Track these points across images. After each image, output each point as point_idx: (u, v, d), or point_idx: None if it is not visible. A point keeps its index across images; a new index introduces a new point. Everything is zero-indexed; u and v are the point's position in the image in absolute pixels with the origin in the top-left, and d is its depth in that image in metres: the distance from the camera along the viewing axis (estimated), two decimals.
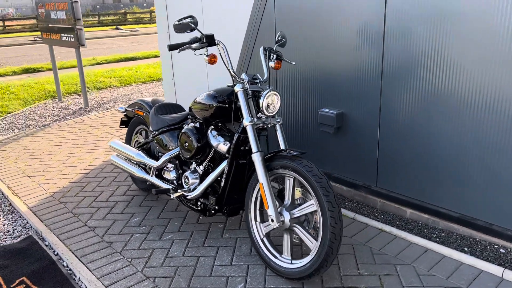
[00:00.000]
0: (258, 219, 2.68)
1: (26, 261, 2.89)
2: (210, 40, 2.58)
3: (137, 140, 3.76)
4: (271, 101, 2.56)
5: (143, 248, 2.93)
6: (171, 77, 5.17)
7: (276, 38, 2.94)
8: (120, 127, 3.92)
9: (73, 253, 2.92)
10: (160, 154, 3.30)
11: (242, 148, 2.71)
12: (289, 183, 2.51)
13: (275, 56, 2.88)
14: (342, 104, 3.41)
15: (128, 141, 3.88)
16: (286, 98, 3.87)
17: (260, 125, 2.61)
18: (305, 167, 2.35)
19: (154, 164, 3.22)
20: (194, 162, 2.99)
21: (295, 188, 2.52)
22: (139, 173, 3.38)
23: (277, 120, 2.66)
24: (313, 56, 3.53)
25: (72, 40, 6.66)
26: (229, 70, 2.62)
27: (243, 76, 2.65)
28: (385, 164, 3.24)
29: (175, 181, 3.14)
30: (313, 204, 2.39)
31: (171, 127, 3.20)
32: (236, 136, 2.65)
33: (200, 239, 3.01)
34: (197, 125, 2.96)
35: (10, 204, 3.79)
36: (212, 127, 2.87)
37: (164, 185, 3.13)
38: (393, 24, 2.97)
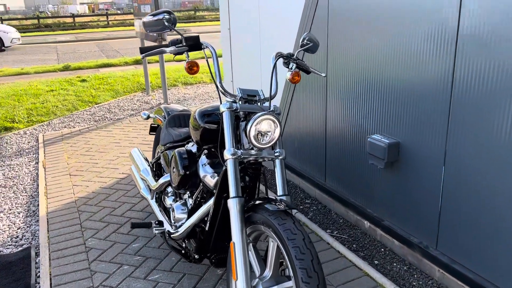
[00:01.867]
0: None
1: (6, 279, 2.63)
2: (192, 43, 1.97)
3: (159, 151, 3.32)
4: (266, 128, 1.87)
5: None
6: (229, 78, 4.65)
7: (301, 41, 2.21)
8: (150, 133, 3.53)
9: (50, 279, 2.58)
10: (165, 174, 2.81)
11: None
12: (272, 246, 1.80)
13: (294, 65, 2.16)
14: (398, 132, 2.53)
15: (154, 151, 3.47)
16: (332, 117, 3.07)
17: (250, 159, 1.94)
18: (286, 231, 1.63)
19: (152, 185, 2.74)
20: (188, 191, 2.43)
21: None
22: (143, 191, 2.93)
23: (275, 154, 1.96)
24: (366, 67, 2.69)
25: (154, 34, 6.54)
26: (216, 83, 1.98)
27: (237, 91, 1.99)
28: (449, 221, 2.30)
29: (170, 210, 2.61)
30: (292, 287, 1.66)
31: (176, 144, 2.68)
32: (223, 169, 2.01)
33: (188, 287, 2.45)
34: (193, 147, 2.40)
35: (38, 205, 3.65)
36: (206, 152, 2.27)
37: (158, 213, 2.63)
38: (472, 24, 2.02)
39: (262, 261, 1.89)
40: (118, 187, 3.83)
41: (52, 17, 30.69)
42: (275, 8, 3.57)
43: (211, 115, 2.14)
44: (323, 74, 2.23)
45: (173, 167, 2.34)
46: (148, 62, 10.00)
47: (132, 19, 31.24)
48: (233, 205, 1.81)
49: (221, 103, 1.97)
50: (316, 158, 3.37)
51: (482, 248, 2.14)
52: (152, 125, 3.48)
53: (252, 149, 1.92)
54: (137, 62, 11.94)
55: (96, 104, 7.19)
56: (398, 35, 2.43)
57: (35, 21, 27.26)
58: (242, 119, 1.95)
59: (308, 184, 3.52)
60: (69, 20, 28.33)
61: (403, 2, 2.36)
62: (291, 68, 2.17)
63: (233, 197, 1.82)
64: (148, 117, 3.30)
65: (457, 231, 2.27)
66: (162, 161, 2.84)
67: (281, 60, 2.12)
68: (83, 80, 8.78)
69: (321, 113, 3.20)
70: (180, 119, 2.89)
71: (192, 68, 1.97)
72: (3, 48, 16.21)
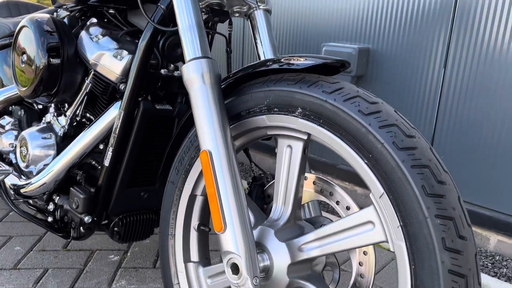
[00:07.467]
0: (195, 257, 0.99)
1: None
2: None
3: None
4: None
5: None
6: None
7: None
8: None
9: None
10: None
11: (163, 72, 1.10)
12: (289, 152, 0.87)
13: None
14: (363, 37, 1.83)
15: None
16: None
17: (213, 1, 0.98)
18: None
19: None
20: (51, 107, 1.29)
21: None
22: None
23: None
24: None
25: None
26: None
27: None
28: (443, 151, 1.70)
29: (12, 155, 1.41)
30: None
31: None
32: (148, 31, 1.01)
33: None
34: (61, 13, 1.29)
35: None
36: (95, 17, 1.19)
37: None
38: None
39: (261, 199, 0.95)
40: None
41: None
42: None
43: None
44: None
45: (23, 54, 1.18)
46: None
47: None
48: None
49: None
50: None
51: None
52: None
53: None
54: None
55: None
56: None
57: None
58: None
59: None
60: None
61: None
62: None
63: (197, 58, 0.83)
64: None
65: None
66: None
67: None
68: None
69: None
70: (19, 6, 1.68)
71: None
72: None
